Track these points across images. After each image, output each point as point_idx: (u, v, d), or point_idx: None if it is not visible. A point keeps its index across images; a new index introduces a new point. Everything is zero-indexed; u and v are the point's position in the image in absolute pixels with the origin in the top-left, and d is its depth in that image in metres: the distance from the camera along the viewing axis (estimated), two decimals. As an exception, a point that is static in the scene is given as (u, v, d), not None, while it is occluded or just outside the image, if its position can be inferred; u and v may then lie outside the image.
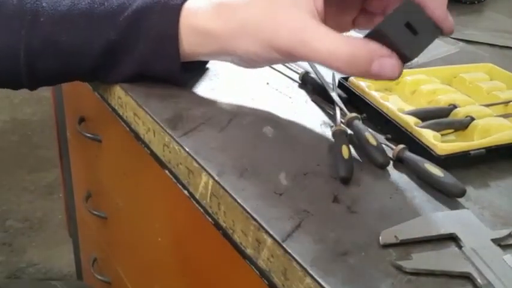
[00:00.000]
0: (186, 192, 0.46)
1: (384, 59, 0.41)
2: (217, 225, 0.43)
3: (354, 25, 0.51)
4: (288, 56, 0.45)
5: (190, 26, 0.49)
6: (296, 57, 0.45)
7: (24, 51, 0.50)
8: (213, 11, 0.47)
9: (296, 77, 0.59)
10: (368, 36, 0.42)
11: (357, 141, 0.47)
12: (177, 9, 0.49)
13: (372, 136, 0.46)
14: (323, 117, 0.51)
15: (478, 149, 0.46)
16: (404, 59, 0.41)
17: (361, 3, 0.49)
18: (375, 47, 0.41)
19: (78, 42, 0.50)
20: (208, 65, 0.58)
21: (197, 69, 0.55)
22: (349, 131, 0.48)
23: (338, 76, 0.56)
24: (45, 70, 0.51)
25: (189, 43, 0.49)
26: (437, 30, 0.42)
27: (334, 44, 0.42)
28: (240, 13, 0.46)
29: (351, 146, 0.46)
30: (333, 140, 0.47)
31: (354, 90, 0.54)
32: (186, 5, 0.49)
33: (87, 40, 0.50)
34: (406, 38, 0.41)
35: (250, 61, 0.48)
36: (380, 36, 0.41)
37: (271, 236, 0.37)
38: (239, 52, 0.47)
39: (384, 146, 0.46)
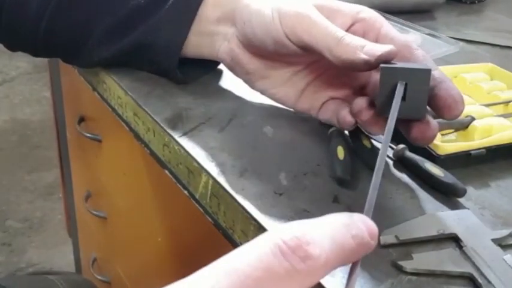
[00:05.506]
0: (186, 192, 0.46)
1: (376, 45, 0.40)
2: (217, 225, 0.43)
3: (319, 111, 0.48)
4: (289, 28, 0.43)
5: None
6: (296, 30, 0.43)
7: (55, 1, 0.51)
8: None
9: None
10: None
11: (352, 143, 0.47)
12: None
13: (366, 138, 0.46)
14: (323, 117, 0.51)
15: (478, 149, 0.46)
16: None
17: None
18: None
19: (106, 1, 0.51)
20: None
21: (194, 71, 0.54)
22: (347, 132, 0.48)
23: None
24: (65, 24, 0.52)
25: (208, 8, 0.49)
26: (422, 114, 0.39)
27: (331, 25, 0.42)
28: None
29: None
30: (333, 140, 0.47)
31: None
32: None
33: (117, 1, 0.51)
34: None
35: (248, 42, 0.47)
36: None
37: (271, 236, 0.36)
38: (246, 16, 0.46)
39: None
